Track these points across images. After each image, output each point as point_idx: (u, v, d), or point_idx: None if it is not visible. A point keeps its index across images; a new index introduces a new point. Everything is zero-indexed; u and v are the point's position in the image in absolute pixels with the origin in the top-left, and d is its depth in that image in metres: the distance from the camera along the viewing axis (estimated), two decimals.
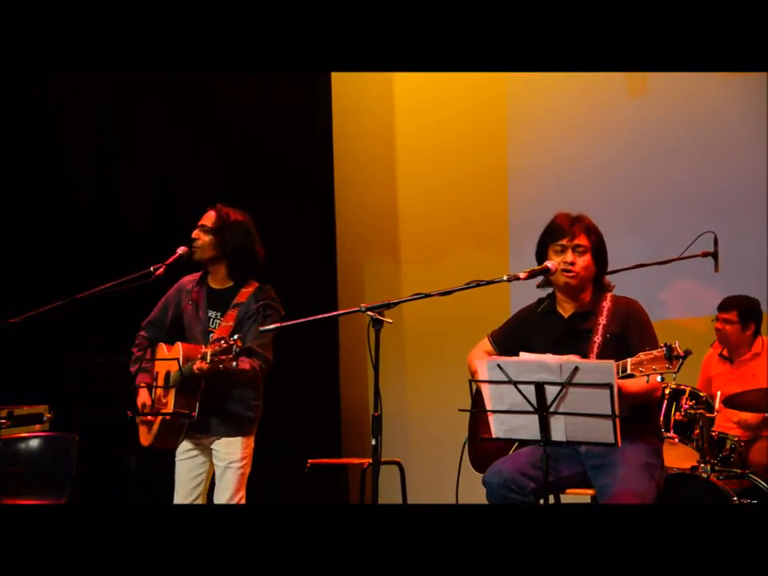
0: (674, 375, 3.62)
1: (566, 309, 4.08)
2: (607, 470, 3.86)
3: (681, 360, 3.55)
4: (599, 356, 3.90)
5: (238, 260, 4.68)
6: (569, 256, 3.99)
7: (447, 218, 7.59)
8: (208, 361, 4.27)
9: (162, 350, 4.70)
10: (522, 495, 3.81)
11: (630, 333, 3.96)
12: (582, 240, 4.00)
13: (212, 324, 4.67)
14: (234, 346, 4.22)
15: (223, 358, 4.23)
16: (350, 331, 7.43)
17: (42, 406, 5.40)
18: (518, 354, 4.06)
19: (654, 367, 3.60)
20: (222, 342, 4.26)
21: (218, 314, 4.67)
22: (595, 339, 3.95)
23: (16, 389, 5.38)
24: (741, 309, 5.73)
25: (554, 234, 4.03)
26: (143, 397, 4.63)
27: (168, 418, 4.50)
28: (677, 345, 3.56)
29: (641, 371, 3.63)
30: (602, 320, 3.99)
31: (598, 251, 4.04)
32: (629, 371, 3.66)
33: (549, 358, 3.69)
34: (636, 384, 3.77)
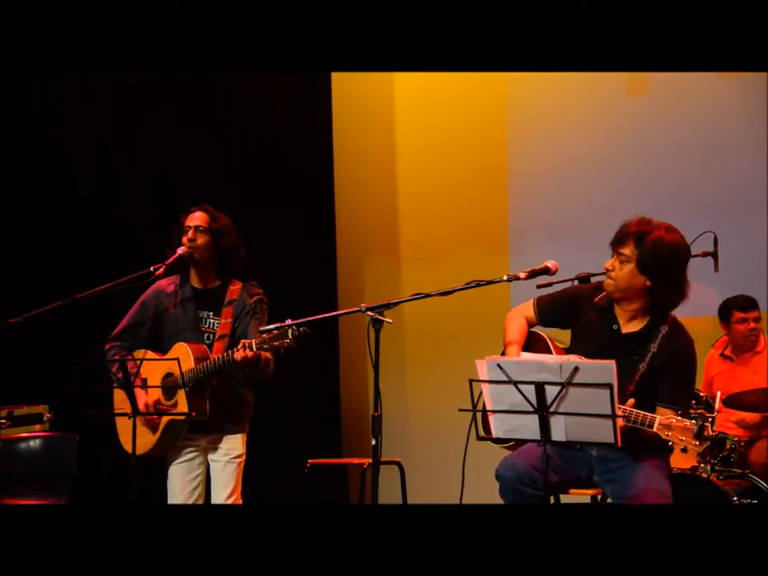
0: (697, 453, 3.59)
1: (621, 316, 4.00)
2: (626, 471, 3.88)
3: (708, 442, 3.52)
4: (639, 383, 3.86)
5: (229, 259, 4.73)
6: (610, 261, 3.94)
7: (447, 217, 7.59)
8: (254, 349, 4.29)
9: (143, 355, 4.66)
10: (535, 489, 3.81)
11: (669, 374, 3.89)
12: (626, 249, 3.88)
13: (204, 324, 4.69)
14: (290, 330, 4.13)
15: (277, 344, 4.18)
16: (350, 331, 7.43)
17: (41, 406, 5.40)
18: (557, 327, 4.11)
19: (681, 437, 3.55)
20: (273, 330, 4.18)
21: (211, 313, 4.70)
22: (641, 367, 3.90)
23: (16, 389, 5.37)
24: (757, 305, 5.78)
25: (615, 236, 3.95)
26: (144, 398, 4.61)
27: (183, 418, 4.49)
28: (708, 424, 3.52)
29: (667, 435, 3.59)
30: (653, 348, 3.91)
31: (650, 266, 3.85)
32: (655, 428, 3.63)
33: (549, 358, 3.69)
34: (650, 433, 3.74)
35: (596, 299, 4.05)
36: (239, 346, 4.36)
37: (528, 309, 4.23)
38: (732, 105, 6.61)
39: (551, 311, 4.18)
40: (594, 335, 4.01)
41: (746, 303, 5.79)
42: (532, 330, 4.25)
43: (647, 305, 3.96)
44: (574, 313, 4.10)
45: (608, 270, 3.94)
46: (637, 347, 3.94)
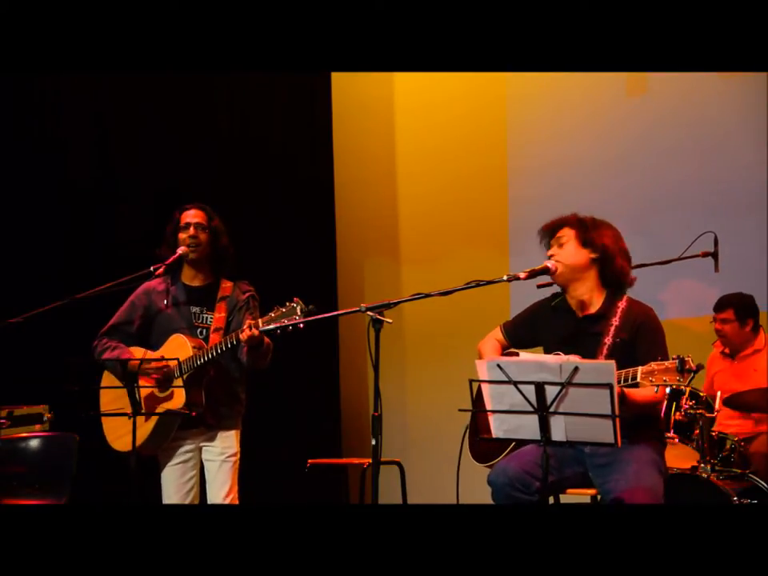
0: (683, 387, 3.63)
1: (577, 307, 4.08)
2: (615, 467, 3.88)
3: (692, 374, 3.55)
4: (608, 357, 3.89)
5: (224, 257, 4.75)
6: (550, 250, 4.07)
7: (447, 217, 7.59)
8: (260, 327, 4.28)
9: (139, 353, 4.65)
10: (528, 494, 3.82)
11: (639, 342, 3.94)
12: (562, 232, 4.05)
13: (197, 319, 4.69)
14: (299, 306, 4.14)
15: (286, 321, 4.13)
16: (350, 331, 7.43)
17: (41, 406, 5.40)
18: (527, 347, 4.16)
19: (664, 378, 3.59)
20: (277, 307, 4.20)
21: (203, 309, 4.70)
22: (606, 341, 3.96)
23: (16, 389, 5.37)
24: (736, 306, 5.74)
25: (543, 233, 4.12)
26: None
27: (182, 412, 4.46)
28: (689, 358, 3.56)
29: (651, 381, 3.62)
30: (615, 321, 3.98)
31: (589, 238, 4.02)
32: (639, 380, 3.65)
33: (549, 358, 3.69)
34: (640, 394, 3.79)
35: (552, 304, 4.16)
36: (245, 326, 4.36)
37: (497, 334, 4.33)
38: (732, 105, 6.60)
39: (517, 331, 4.27)
40: (558, 332, 4.08)
41: (717, 303, 5.80)
42: (509, 350, 4.30)
43: (597, 281, 4.05)
44: (537, 324, 4.20)
45: (551, 257, 4.03)
46: (598, 325, 4.01)
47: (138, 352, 4.66)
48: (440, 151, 7.64)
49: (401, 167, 7.85)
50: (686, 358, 3.56)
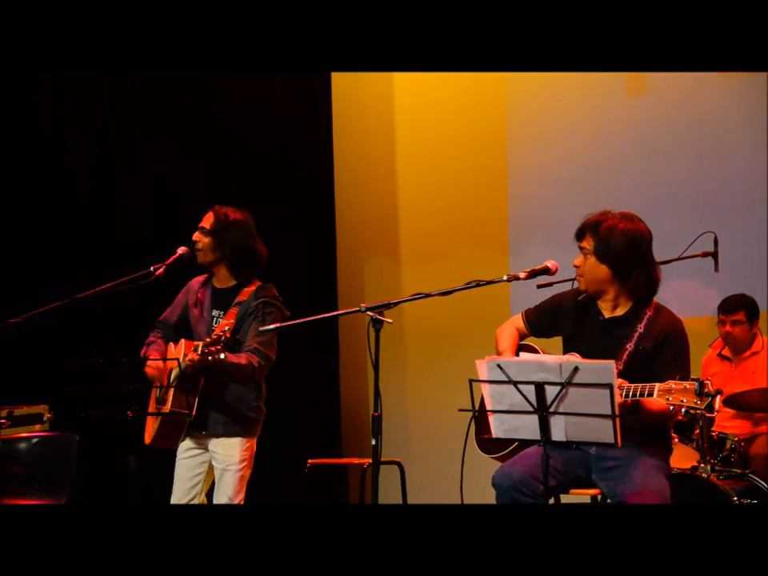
0: (700, 410, 3.62)
1: (604, 308, 4.03)
2: (622, 470, 3.87)
3: (710, 398, 3.54)
4: (628, 363, 3.88)
5: (239, 259, 4.70)
6: (577, 258, 4.00)
7: (447, 217, 7.59)
8: (198, 353, 4.33)
9: (171, 349, 4.73)
10: (533, 498, 3.80)
11: (661, 354, 3.90)
12: (585, 243, 3.97)
13: (215, 323, 4.69)
14: (223, 337, 4.28)
15: (213, 349, 4.27)
16: (350, 331, 7.43)
17: (41, 406, 5.40)
18: (548, 336, 4.14)
19: (682, 398, 3.57)
20: (213, 334, 4.35)
21: (221, 312, 4.69)
22: (628, 347, 3.91)
23: (16, 389, 5.37)
24: (747, 308, 5.74)
25: (576, 231, 4.03)
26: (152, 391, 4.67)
27: (165, 416, 4.49)
28: (708, 382, 3.55)
29: (668, 399, 3.60)
30: (640, 328, 3.93)
31: (606, 253, 3.91)
32: (655, 395, 3.63)
33: (549, 358, 3.69)
34: (657, 403, 3.74)
35: (579, 298, 4.08)
36: (192, 350, 4.43)
37: (518, 321, 4.27)
38: (732, 105, 6.61)
39: (540, 320, 4.21)
40: (582, 330, 4.04)
41: (727, 305, 5.77)
42: (523, 342, 4.27)
43: (623, 293, 3.99)
44: (561, 317, 4.12)
45: (576, 267, 4.00)
46: (622, 330, 3.96)
47: (171, 350, 4.73)
48: (440, 151, 7.64)
49: (401, 167, 7.85)
50: (706, 382, 3.55)
